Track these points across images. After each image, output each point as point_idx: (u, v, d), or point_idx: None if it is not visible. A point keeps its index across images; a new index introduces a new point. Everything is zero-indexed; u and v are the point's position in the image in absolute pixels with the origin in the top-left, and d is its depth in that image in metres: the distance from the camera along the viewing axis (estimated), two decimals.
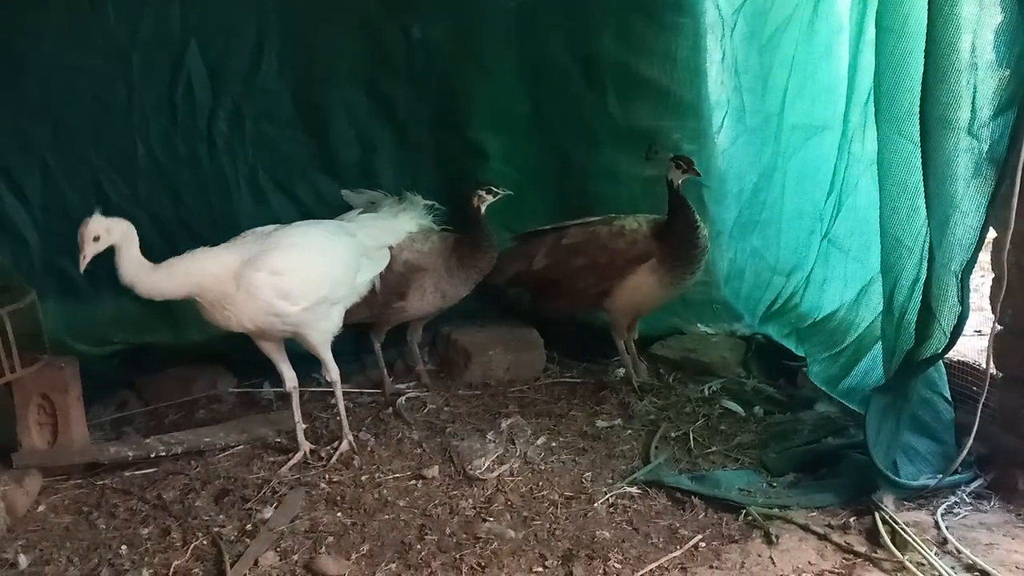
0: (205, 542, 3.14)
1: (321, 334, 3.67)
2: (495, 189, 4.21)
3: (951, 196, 2.74)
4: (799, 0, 4.13)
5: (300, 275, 3.48)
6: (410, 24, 4.66)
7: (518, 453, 3.66)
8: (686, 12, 4.62)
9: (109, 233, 3.24)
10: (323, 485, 3.52)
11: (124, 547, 3.14)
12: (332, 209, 4.69)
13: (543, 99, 4.84)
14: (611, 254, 4.12)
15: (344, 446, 3.78)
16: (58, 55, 4.26)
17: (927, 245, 2.94)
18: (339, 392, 3.83)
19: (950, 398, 3.21)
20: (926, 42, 2.72)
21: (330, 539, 3.10)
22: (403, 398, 4.30)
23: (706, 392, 4.21)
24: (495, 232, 4.39)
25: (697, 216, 4.06)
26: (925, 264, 2.94)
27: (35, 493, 3.53)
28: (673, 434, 3.80)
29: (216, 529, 3.20)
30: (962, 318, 2.79)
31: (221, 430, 3.99)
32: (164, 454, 3.77)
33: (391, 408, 4.23)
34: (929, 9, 2.68)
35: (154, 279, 3.28)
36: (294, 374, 3.79)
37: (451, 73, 4.75)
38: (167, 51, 4.44)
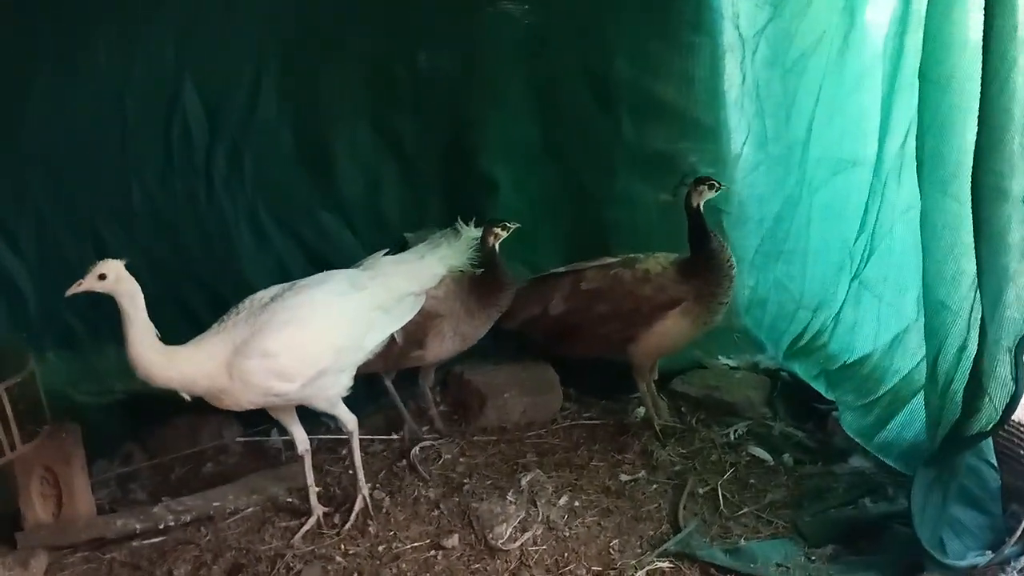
0: None
1: (327, 400, 3.50)
2: (508, 224, 4.00)
3: (1005, 269, 2.57)
4: (827, 26, 3.90)
5: (296, 354, 3.26)
6: (415, 52, 4.48)
7: (540, 517, 3.51)
8: (703, 32, 4.44)
9: (118, 281, 3.02)
10: (339, 558, 3.38)
11: None
12: (336, 247, 4.55)
13: (554, 125, 4.66)
14: (637, 300, 3.95)
15: (359, 504, 3.63)
16: (48, 99, 4.11)
17: (974, 310, 2.78)
18: (355, 444, 3.65)
19: (996, 464, 3.06)
20: (980, 104, 2.53)
21: None
22: (417, 448, 4.14)
23: (732, 436, 4.06)
24: (515, 267, 4.22)
25: (720, 238, 3.91)
26: (972, 331, 2.78)
27: (41, 574, 3.40)
28: (701, 490, 3.65)
29: None
30: (1016, 397, 2.63)
31: (230, 492, 3.85)
32: (173, 524, 3.64)
33: (405, 460, 4.08)
34: (983, 72, 2.49)
35: (157, 362, 3.08)
36: (305, 435, 3.63)
37: (458, 102, 4.57)
38: (161, 90, 4.28)
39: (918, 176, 3.03)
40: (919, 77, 2.90)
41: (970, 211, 2.66)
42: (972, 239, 2.68)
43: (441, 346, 4.08)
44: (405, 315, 3.70)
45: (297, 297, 3.37)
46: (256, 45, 4.33)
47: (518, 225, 4.04)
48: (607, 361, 4.42)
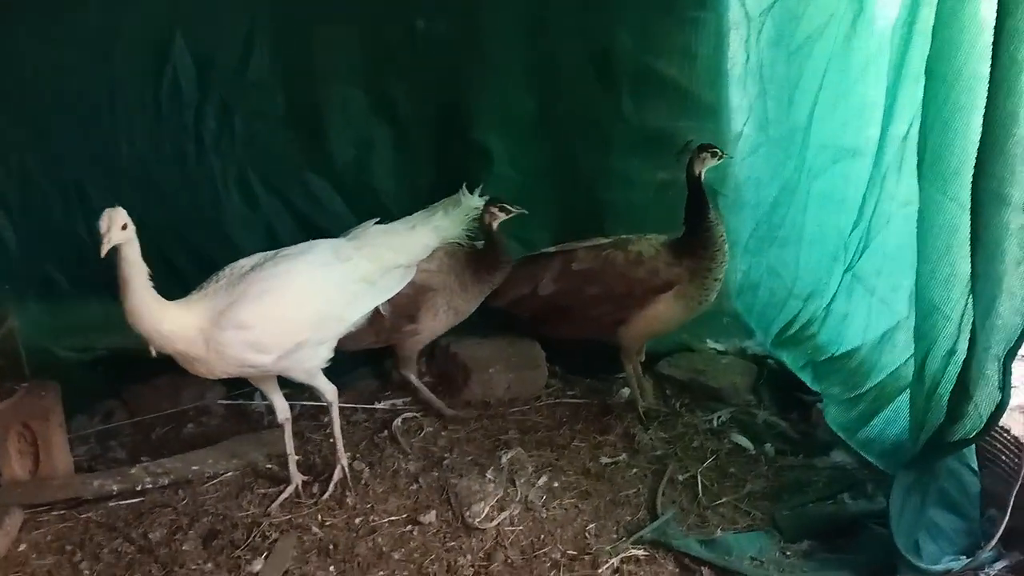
0: None
1: (306, 372, 3.45)
2: (508, 207, 3.94)
3: (999, 277, 2.51)
4: (835, 10, 3.79)
5: (272, 326, 3.19)
6: (413, 16, 4.36)
7: (519, 496, 3.51)
8: (708, 7, 4.32)
9: (132, 233, 2.91)
10: (315, 529, 3.38)
11: None
12: (326, 212, 4.49)
13: (552, 98, 4.55)
14: (629, 283, 3.90)
15: (338, 474, 3.62)
16: (35, 50, 4.01)
17: (965, 315, 2.73)
18: (335, 414, 3.63)
19: (977, 469, 3.04)
20: (986, 107, 2.46)
21: None
22: (399, 419, 4.12)
23: (715, 423, 4.03)
24: (509, 241, 4.15)
25: (717, 212, 3.87)
26: (963, 335, 2.74)
27: (15, 532, 3.39)
28: (680, 477, 3.63)
29: None
30: (1001, 406, 2.59)
31: (210, 455, 3.84)
32: (150, 486, 3.63)
33: (386, 431, 4.06)
34: (992, 73, 2.42)
35: (155, 311, 2.99)
36: (286, 404, 3.61)
37: (455, 69, 4.46)
38: (151, 43, 4.18)
39: (918, 173, 2.97)
40: (926, 72, 2.82)
41: (968, 214, 2.61)
42: (968, 243, 2.64)
43: (435, 320, 4.05)
44: (392, 288, 3.64)
45: (277, 267, 3.30)
46: (249, 1, 4.21)
47: (523, 211, 3.97)
48: (594, 340, 4.39)
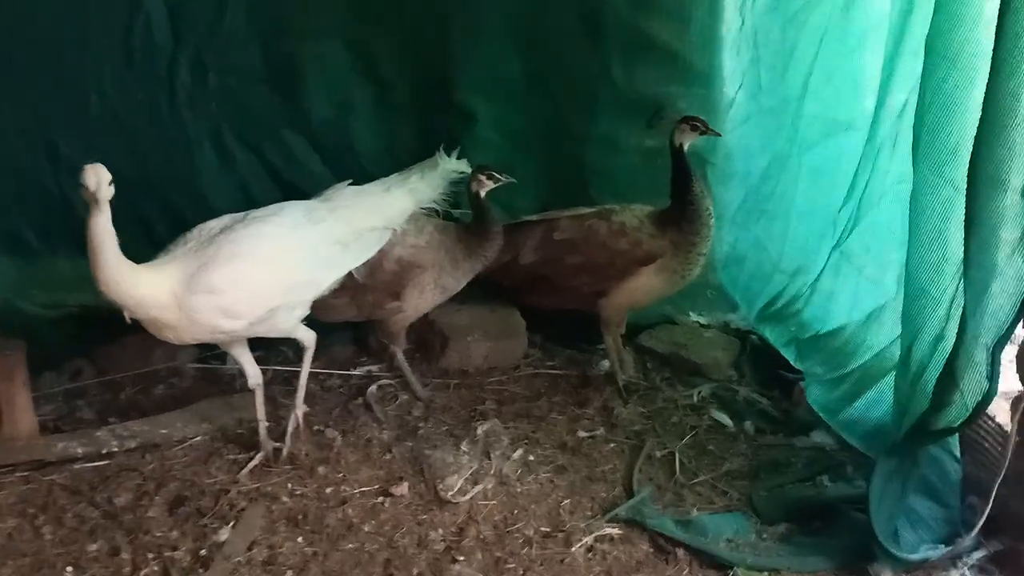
0: (156, 568, 2.94)
1: (281, 332, 3.39)
2: (496, 175, 3.78)
3: (993, 264, 2.44)
4: None
5: (243, 291, 3.09)
6: None
7: (493, 470, 3.44)
8: None
9: (112, 192, 2.76)
10: (284, 498, 3.30)
11: (70, 568, 2.93)
12: (302, 171, 4.37)
13: (539, 59, 4.41)
14: (611, 254, 3.81)
15: (292, 424, 3.53)
16: None
17: (955, 301, 2.67)
18: (308, 359, 3.55)
19: (959, 456, 2.99)
20: (987, 87, 2.36)
21: (288, 573, 2.91)
22: (375, 386, 4.04)
23: (695, 398, 3.98)
24: (493, 207, 3.99)
25: (703, 185, 3.78)
26: (952, 322, 2.68)
27: None
28: (658, 453, 3.57)
29: (168, 553, 2.99)
30: (988, 395, 2.54)
31: (179, 419, 3.75)
32: (116, 449, 3.54)
33: (361, 398, 3.98)
34: (995, 51, 2.32)
35: (127, 277, 2.87)
36: (258, 370, 3.52)
37: (440, 27, 4.30)
38: None
39: (913, 152, 2.86)
40: (926, 48, 2.71)
41: (964, 198, 2.53)
42: (962, 227, 2.55)
43: (421, 297, 3.89)
44: (366, 251, 3.51)
45: (247, 229, 3.18)
46: None
47: (512, 180, 3.83)
48: (575, 311, 4.31)
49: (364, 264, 3.57)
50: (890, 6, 3.27)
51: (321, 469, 3.46)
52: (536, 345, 4.45)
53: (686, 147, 3.72)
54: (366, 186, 3.64)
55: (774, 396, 3.96)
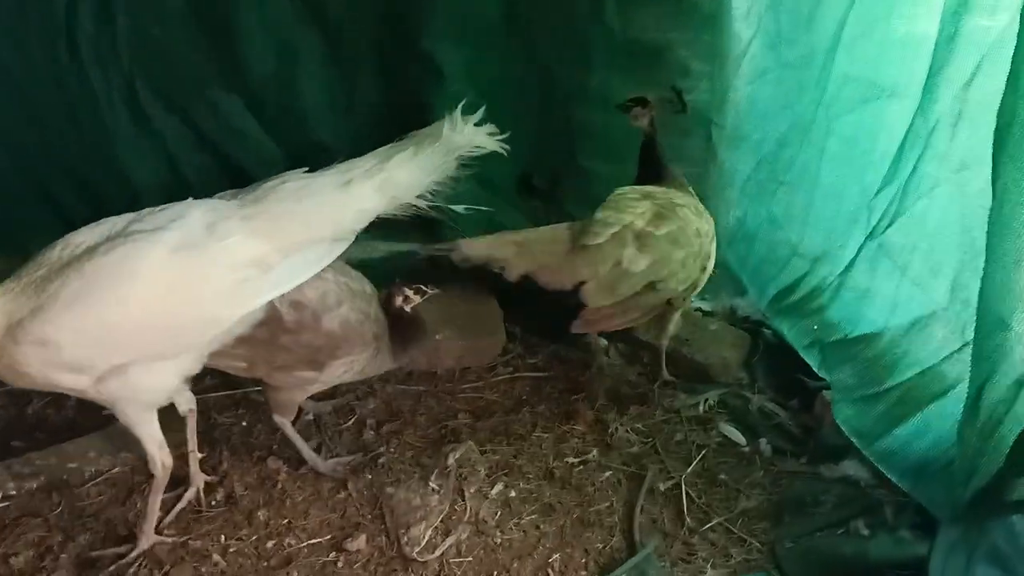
0: None
1: (136, 411, 2.55)
2: (424, 288, 3.01)
3: None
4: None
5: (86, 343, 2.31)
6: None
7: (468, 514, 2.89)
8: None
9: None
10: (216, 556, 2.73)
11: None
12: (237, 136, 3.71)
13: (520, 1, 3.71)
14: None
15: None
16: None
17: None
18: (158, 488, 2.74)
19: None
20: None
21: None
22: (330, 405, 3.45)
23: (701, 408, 3.44)
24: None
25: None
26: None
27: None
28: (662, 486, 3.04)
29: None
30: None
31: (92, 446, 3.15)
32: (14, 493, 2.95)
33: (311, 415, 3.40)
34: None
35: None
36: (190, 393, 2.91)
37: None
38: None
39: (995, 146, 2.22)
40: (1022, 17, 2.07)
41: None
42: None
43: (343, 375, 3.01)
44: (303, 272, 2.55)
45: (110, 255, 2.32)
46: None
47: (437, 291, 3.06)
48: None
49: (293, 312, 2.76)
50: None
51: (262, 514, 2.90)
52: (515, 340, 3.87)
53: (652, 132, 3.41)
54: (319, 175, 2.58)
55: (793, 407, 3.42)
